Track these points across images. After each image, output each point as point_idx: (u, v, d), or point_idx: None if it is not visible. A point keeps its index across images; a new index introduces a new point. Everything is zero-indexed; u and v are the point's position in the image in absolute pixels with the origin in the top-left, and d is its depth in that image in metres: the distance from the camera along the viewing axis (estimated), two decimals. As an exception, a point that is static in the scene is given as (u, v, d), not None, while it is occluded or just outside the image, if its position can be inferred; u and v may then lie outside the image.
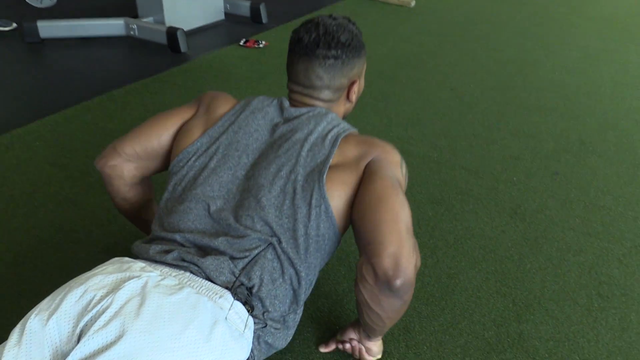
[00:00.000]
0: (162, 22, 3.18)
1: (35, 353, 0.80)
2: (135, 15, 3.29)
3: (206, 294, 0.90)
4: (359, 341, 1.21)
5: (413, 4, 4.06)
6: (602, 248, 1.65)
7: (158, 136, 1.21)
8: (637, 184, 1.98)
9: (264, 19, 3.55)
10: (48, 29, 3.06)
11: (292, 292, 1.05)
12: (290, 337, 1.12)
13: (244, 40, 3.17)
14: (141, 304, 0.83)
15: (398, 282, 0.93)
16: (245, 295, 0.96)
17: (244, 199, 1.05)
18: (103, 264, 0.95)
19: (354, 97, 1.22)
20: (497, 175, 2.00)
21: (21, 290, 1.41)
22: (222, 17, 3.58)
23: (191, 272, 0.95)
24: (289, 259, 1.03)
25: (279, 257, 1.02)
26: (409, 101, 2.55)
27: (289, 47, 1.19)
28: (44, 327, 0.81)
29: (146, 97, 2.47)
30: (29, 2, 3.30)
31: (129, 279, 0.87)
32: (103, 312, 0.81)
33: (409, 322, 1.37)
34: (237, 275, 0.98)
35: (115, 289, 0.85)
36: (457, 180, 1.95)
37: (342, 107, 1.23)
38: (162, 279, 0.89)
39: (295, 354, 1.26)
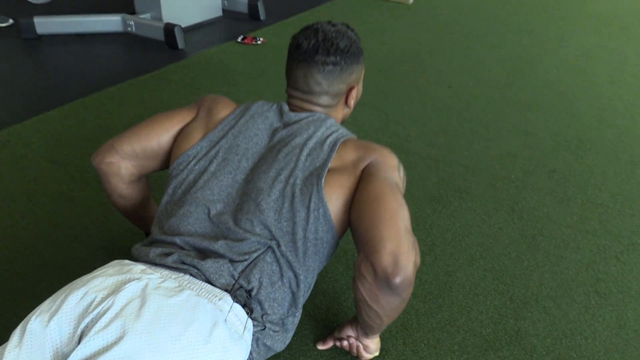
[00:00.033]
0: (160, 19, 3.17)
1: (36, 354, 0.81)
2: (132, 12, 3.27)
3: (206, 296, 0.91)
4: (357, 338, 1.21)
5: (411, 1, 4.05)
6: (600, 245, 1.65)
7: (158, 136, 1.22)
8: (634, 181, 1.98)
9: (262, 16, 3.54)
10: (45, 25, 3.04)
11: (290, 295, 1.06)
12: (289, 340, 1.13)
13: (241, 37, 3.16)
14: (142, 306, 0.83)
15: (397, 280, 0.93)
16: (245, 297, 0.97)
17: (243, 203, 1.06)
18: (103, 267, 0.95)
19: (352, 102, 1.24)
20: (495, 172, 2.00)
21: (18, 287, 1.41)
22: (220, 13, 3.58)
23: (191, 274, 0.96)
24: (288, 262, 1.04)
25: (278, 261, 1.03)
26: (406, 98, 2.55)
27: (288, 53, 1.20)
28: (45, 329, 0.82)
29: (143, 93, 2.46)
30: (25, -2, 3.29)
31: (130, 281, 0.88)
32: (104, 313, 0.82)
33: (406, 319, 1.37)
34: (236, 278, 0.98)
35: (116, 290, 0.85)
36: (455, 178, 1.95)
37: (341, 112, 1.24)
38: (162, 282, 0.90)
39: (292, 351, 1.26)
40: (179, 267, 0.97)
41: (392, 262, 0.93)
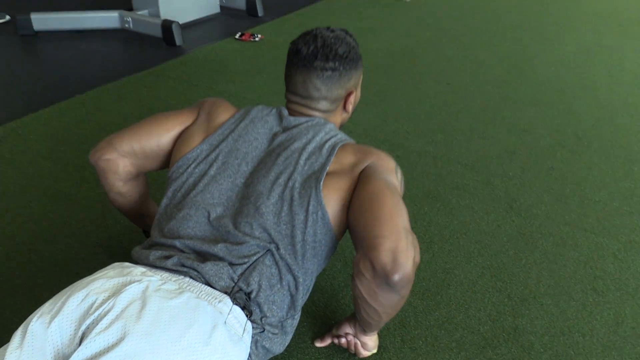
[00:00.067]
0: (157, 15, 3.16)
1: (37, 355, 0.81)
2: (130, 8, 3.26)
3: (206, 298, 0.92)
4: (355, 335, 1.21)
5: (409, -2, 4.05)
6: (598, 243, 1.66)
7: (158, 137, 1.23)
8: (632, 179, 1.98)
9: (260, 13, 3.53)
10: (42, 21, 3.03)
11: (289, 297, 1.07)
12: (288, 342, 1.13)
13: (239, 33, 3.15)
14: (142, 308, 0.84)
15: (396, 277, 0.93)
16: (244, 300, 0.98)
17: (243, 206, 1.07)
18: (103, 269, 0.96)
19: (350, 107, 1.26)
20: (493, 170, 2.00)
21: (15, 284, 1.40)
22: (218, 10, 3.57)
23: (191, 277, 0.96)
24: (287, 265, 1.05)
25: (277, 264, 1.04)
26: (405, 96, 2.55)
27: (287, 58, 1.21)
28: (46, 330, 0.83)
29: (141, 90, 2.45)
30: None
31: (130, 283, 0.88)
32: (105, 315, 0.83)
33: (404, 316, 1.37)
34: (235, 281, 0.99)
35: (116, 292, 0.86)
36: (453, 175, 1.95)
37: (339, 117, 1.26)
38: (162, 284, 0.91)
39: (290, 348, 1.26)
40: (179, 270, 0.97)
41: (390, 259, 0.93)
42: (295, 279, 1.06)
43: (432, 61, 2.97)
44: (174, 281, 0.93)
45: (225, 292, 0.96)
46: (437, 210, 1.76)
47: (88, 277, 0.93)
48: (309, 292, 1.14)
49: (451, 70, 2.87)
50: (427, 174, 1.95)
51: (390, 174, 1.10)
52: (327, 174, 1.08)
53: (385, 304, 1.00)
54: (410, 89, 2.62)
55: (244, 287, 0.99)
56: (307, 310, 1.36)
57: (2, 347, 0.84)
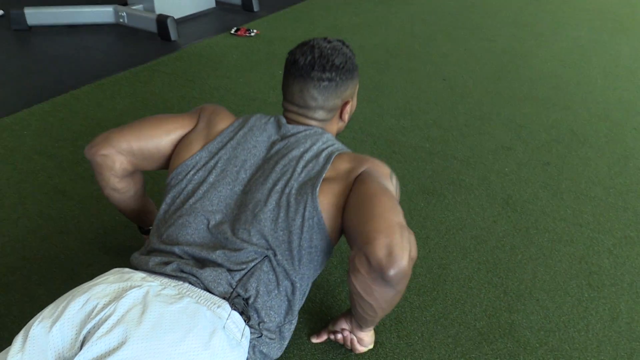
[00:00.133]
0: (152, 10, 3.14)
1: (38, 359, 0.82)
2: (124, 3, 3.24)
3: (205, 303, 0.93)
4: (351, 331, 1.21)
5: (405, -7, 4.04)
6: (593, 238, 1.66)
7: (159, 139, 1.23)
8: (627, 174, 1.99)
9: (256, 8, 3.52)
10: (36, 16, 3.01)
11: (287, 302, 1.08)
12: (285, 347, 1.14)
13: (235, 28, 3.14)
14: (143, 312, 0.85)
15: (392, 272, 0.93)
16: (242, 305, 0.99)
17: (241, 213, 1.08)
18: (103, 274, 0.97)
19: (346, 116, 1.27)
20: (489, 165, 2.00)
21: (9, 281, 1.39)
22: (213, 5, 3.55)
23: (190, 282, 0.98)
24: (284, 270, 1.06)
25: (274, 270, 1.05)
26: (401, 91, 2.55)
27: (284, 68, 1.23)
28: (47, 334, 0.84)
29: (136, 85, 2.44)
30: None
31: (131, 288, 0.90)
32: (106, 319, 0.84)
33: (400, 312, 1.37)
34: (234, 287, 1.00)
35: (117, 297, 0.87)
36: (449, 171, 1.95)
37: (335, 126, 1.28)
38: (162, 289, 0.92)
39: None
40: (178, 276, 0.99)
41: (386, 254, 0.93)
42: (292, 284, 1.08)
43: (429, 56, 2.97)
44: (173, 286, 0.94)
45: (224, 298, 0.97)
46: (433, 205, 1.76)
47: (88, 282, 0.94)
48: (306, 296, 1.15)
49: (447, 65, 2.87)
50: (423, 169, 1.95)
51: (385, 179, 1.11)
52: (323, 180, 1.09)
53: (381, 299, 1.00)
54: (406, 85, 2.61)
55: (242, 292, 1.01)
56: (303, 307, 1.36)
57: (4, 351, 0.85)
